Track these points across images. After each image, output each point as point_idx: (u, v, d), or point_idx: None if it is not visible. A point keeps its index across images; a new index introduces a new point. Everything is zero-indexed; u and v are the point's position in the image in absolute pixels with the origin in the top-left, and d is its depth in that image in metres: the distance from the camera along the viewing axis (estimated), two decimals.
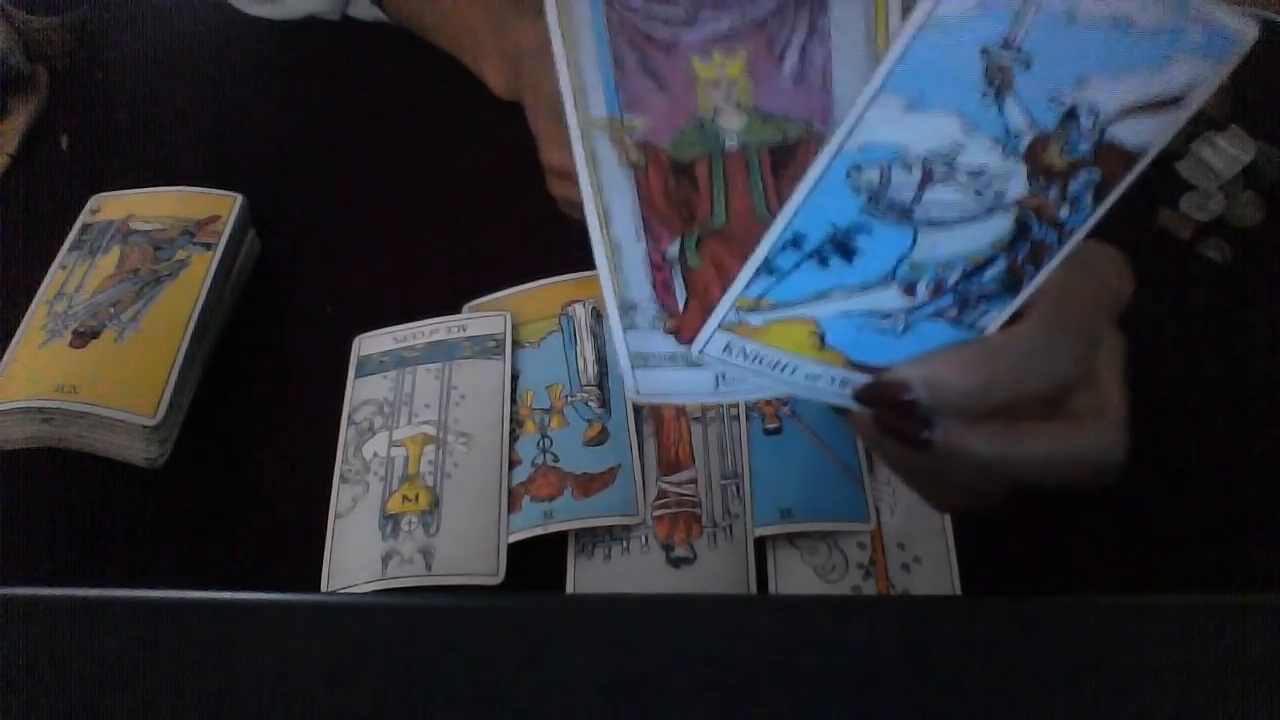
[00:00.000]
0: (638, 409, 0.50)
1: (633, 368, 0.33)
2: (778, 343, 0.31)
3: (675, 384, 0.33)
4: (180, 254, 0.55)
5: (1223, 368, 0.54)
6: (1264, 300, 0.56)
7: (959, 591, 0.45)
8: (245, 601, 0.36)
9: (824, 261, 0.29)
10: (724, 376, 0.33)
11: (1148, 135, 0.26)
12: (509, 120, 0.62)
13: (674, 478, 0.48)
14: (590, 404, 0.50)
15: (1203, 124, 0.60)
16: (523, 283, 0.56)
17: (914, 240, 0.28)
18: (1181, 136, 0.61)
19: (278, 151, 0.66)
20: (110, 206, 0.57)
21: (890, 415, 0.31)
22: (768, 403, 0.49)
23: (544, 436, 0.49)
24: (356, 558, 0.46)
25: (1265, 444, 0.51)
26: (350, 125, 0.67)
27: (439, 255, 0.59)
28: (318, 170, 0.64)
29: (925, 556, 0.46)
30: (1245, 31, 0.24)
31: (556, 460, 0.48)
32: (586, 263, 0.31)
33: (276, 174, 0.64)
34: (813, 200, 0.27)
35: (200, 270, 0.54)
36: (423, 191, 0.63)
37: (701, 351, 0.32)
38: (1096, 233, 0.28)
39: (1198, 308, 0.56)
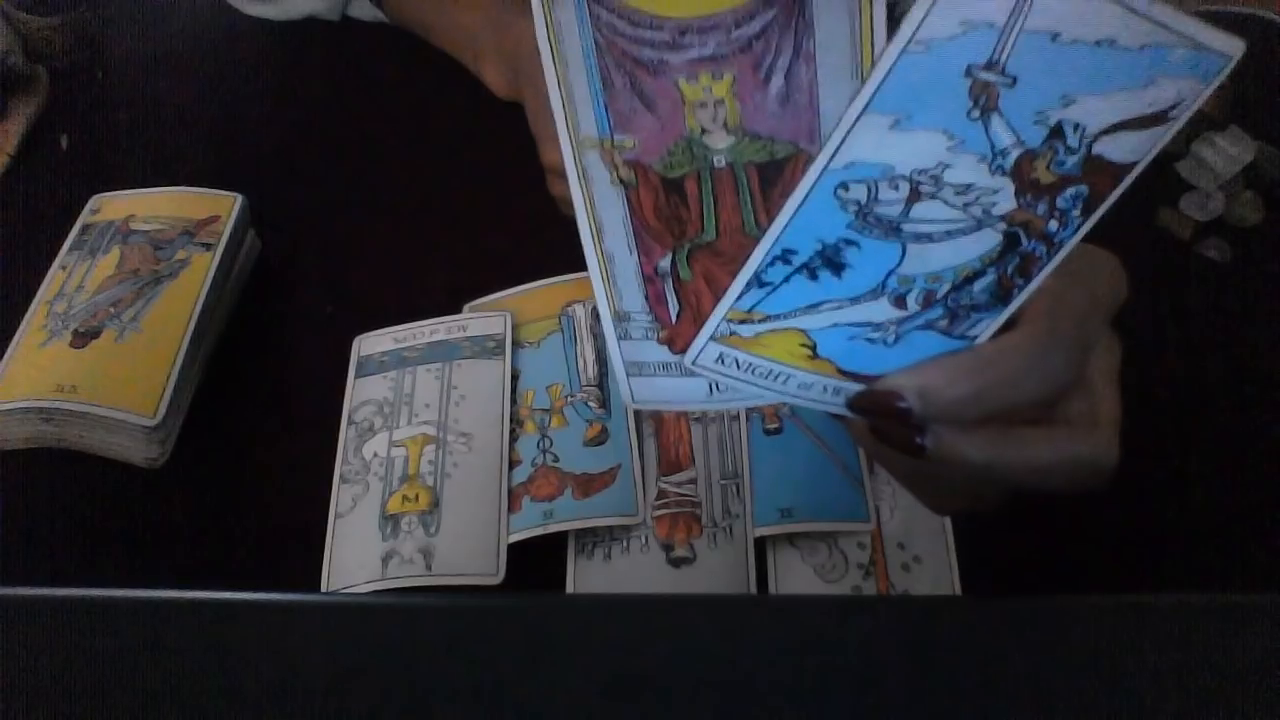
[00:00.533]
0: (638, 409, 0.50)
1: (628, 376, 0.34)
2: (769, 353, 0.31)
3: (670, 392, 0.34)
4: (180, 254, 0.55)
5: (1223, 368, 0.54)
6: (1264, 300, 0.56)
7: (959, 591, 0.45)
8: (245, 601, 0.36)
9: (813, 275, 0.29)
10: (718, 385, 0.33)
11: (1135, 150, 0.26)
12: (509, 120, 0.62)
13: (674, 478, 0.48)
14: (590, 404, 0.50)
15: (1203, 124, 0.60)
16: (523, 283, 0.56)
17: (902, 254, 0.28)
18: (1181, 136, 0.61)
19: (278, 151, 0.66)
20: (110, 206, 0.57)
21: (884, 422, 0.31)
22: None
23: (544, 436, 0.49)
24: (356, 558, 0.46)
25: (1265, 444, 0.51)
26: (350, 125, 0.67)
27: (439, 255, 0.59)
28: (318, 170, 0.64)
29: (925, 556, 0.46)
30: (1232, 50, 0.24)
31: (556, 460, 0.48)
32: (586, 263, 0.31)
33: (276, 174, 0.64)
34: (801, 216, 0.27)
35: (200, 270, 0.54)
36: (423, 191, 0.63)
37: (694, 362, 0.32)
38: (1093, 236, 0.28)
39: (1198, 308, 0.56)
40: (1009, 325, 0.30)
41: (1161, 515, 0.48)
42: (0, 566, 0.47)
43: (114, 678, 0.34)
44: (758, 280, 0.29)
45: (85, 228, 0.56)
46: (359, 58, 0.71)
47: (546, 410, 0.50)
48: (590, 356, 0.52)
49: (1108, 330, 0.32)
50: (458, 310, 0.55)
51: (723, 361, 0.32)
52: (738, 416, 0.50)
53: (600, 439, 0.49)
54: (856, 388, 0.31)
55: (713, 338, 0.31)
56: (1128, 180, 0.27)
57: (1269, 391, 0.53)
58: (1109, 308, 0.32)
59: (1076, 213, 0.27)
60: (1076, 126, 0.25)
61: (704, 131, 0.28)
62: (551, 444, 0.49)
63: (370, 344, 0.53)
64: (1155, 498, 0.48)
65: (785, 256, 0.28)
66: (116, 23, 0.73)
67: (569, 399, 0.50)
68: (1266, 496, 0.49)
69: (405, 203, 0.63)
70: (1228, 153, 0.59)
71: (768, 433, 0.49)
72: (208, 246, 0.55)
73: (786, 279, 0.29)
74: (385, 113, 0.68)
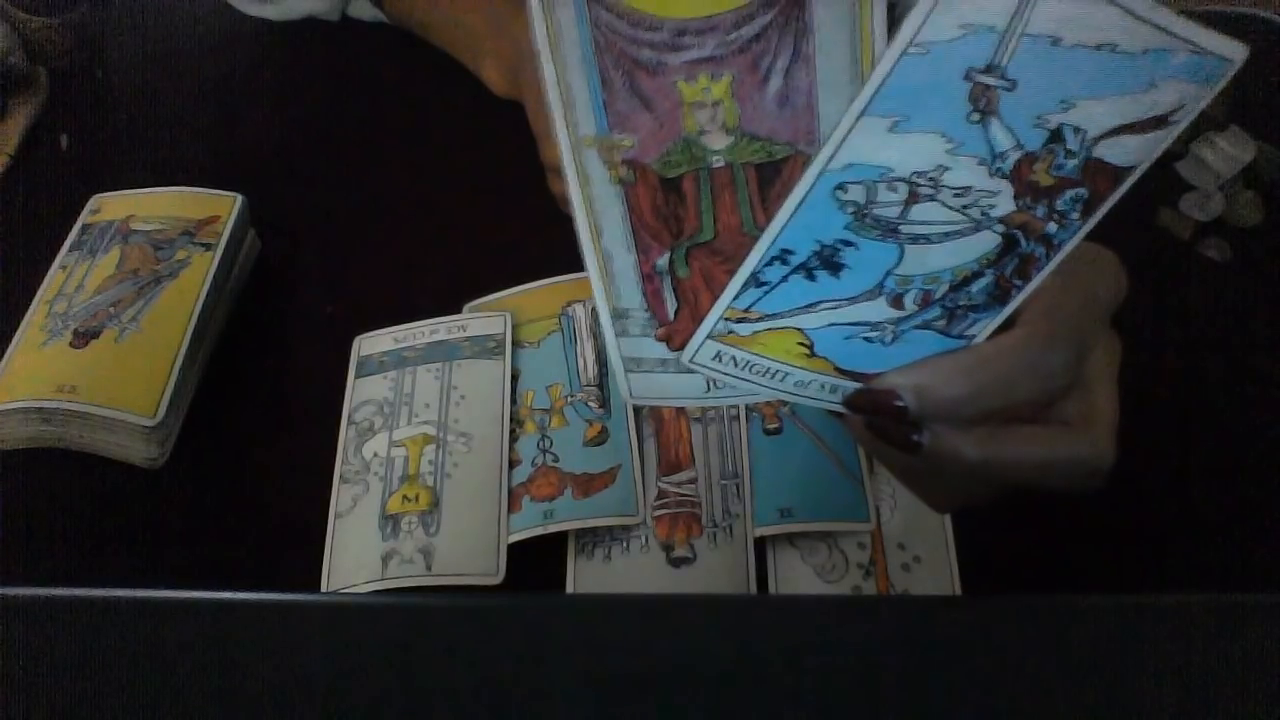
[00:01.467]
0: (638, 409, 0.50)
1: (626, 372, 0.34)
2: (767, 351, 0.31)
3: (668, 388, 0.34)
4: (180, 254, 0.55)
5: (1223, 368, 0.54)
6: (1264, 300, 0.56)
7: (959, 591, 0.45)
8: (245, 601, 0.36)
9: (811, 275, 0.29)
10: (715, 382, 0.33)
11: (1135, 153, 0.26)
12: (509, 120, 0.62)
13: (674, 478, 0.48)
14: (590, 404, 0.50)
15: (1203, 124, 0.60)
16: (523, 283, 0.56)
17: (900, 255, 0.28)
18: (1181, 137, 0.61)
19: (278, 151, 0.66)
20: (110, 206, 0.57)
21: (881, 420, 0.31)
22: (767, 403, 0.49)
23: (544, 436, 0.49)
24: (356, 558, 0.46)
25: (1265, 444, 0.51)
26: (350, 125, 0.67)
27: (439, 255, 0.59)
28: (318, 170, 0.64)
29: (925, 556, 0.46)
30: (1234, 54, 0.24)
31: (556, 460, 0.48)
32: (584, 261, 0.31)
33: (276, 174, 0.64)
34: (799, 217, 0.27)
35: (200, 270, 0.54)
36: (423, 191, 0.63)
37: (692, 360, 0.32)
38: (1093, 235, 0.28)
39: (1198, 308, 0.56)
40: (1007, 324, 0.30)
41: (1161, 515, 0.48)
42: (0, 566, 0.47)
43: (114, 678, 0.34)
44: (755, 280, 0.29)
45: (85, 228, 0.56)
46: (359, 58, 0.71)
47: (546, 410, 0.50)
48: (590, 356, 0.52)
49: (1107, 330, 0.32)
50: (458, 310, 0.55)
51: (720, 359, 0.32)
52: (738, 416, 0.50)
53: (600, 439, 0.49)
54: (854, 386, 0.32)
55: (710, 336, 0.31)
56: (1128, 182, 0.27)
57: (1269, 391, 0.53)
58: (1108, 307, 0.32)
59: (1076, 215, 0.27)
60: (1076, 130, 0.25)
61: (702, 132, 0.28)
62: (551, 444, 0.49)
63: (370, 344, 0.53)
64: (1155, 498, 0.48)
65: (783, 256, 0.28)
66: (116, 23, 0.73)
67: (569, 399, 0.50)
68: (1266, 496, 0.49)
69: (405, 203, 0.63)
70: (1228, 153, 0.59)
71: (767, 433, 0.49)
72: (208, 246, 0.55)
73: (784, 279, 0.29)
74: (385, 113, 0.68)
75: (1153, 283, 0.57)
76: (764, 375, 0.32)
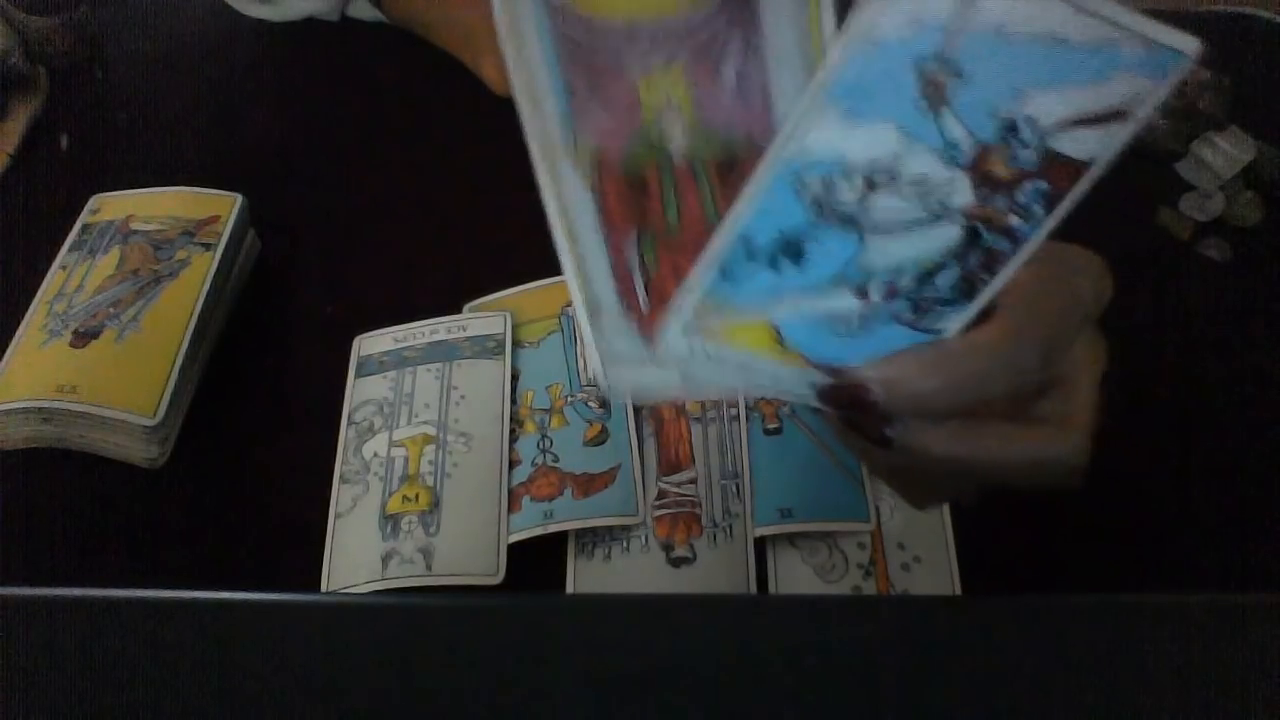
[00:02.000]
0: (638, 409, 0.50)
1: (604, 365, 0.34)
2: (738, 344, 0.31)
3: (646, 381, 0.34)
4: (180, 254, 0.55)
5: (1223, 368, 0.54)
6: (1264, 300, 0.56)
7: (959, 591, 0.45)
8: (245, 601, 0.36)
9: (774, 265, 0.29)
10: (692, 375, 0.33)
11: (1095, 147, 0.26)
12: (509, 120, 0.62)
13: (674, 478, 0.48)
14: (590, 404, 0.50)
15: (1203, 124, 0.60)
16: (523, 283, 0.56)
17: (861, 245, 0.28)
18: (1182, 136, 0.61)
19: (278, 151, 0.66)
20: (110, 206, 0.57)
21: (852, 414, 0.31)
22: (767, 402, 0.50)
23: (544, 436, 0.49)
24: (356, 558, 0.46)
25: (1265, 444, 0.51)
26: (350, 125, 0.67)
27: (439, 255, 0.59)
28: (318, 170, 0.64)
29: (925, 556, 0.46)
30: (1186, 48, 0.24)
31: (556, 460, 0.48)
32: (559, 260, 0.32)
33: (276, 174, 0.64)
34: (759, 208, 0.28)
35: (200, 270, 0.54)
36: (423, 191, 0.63)
37: (664, 354, 0.32)
38: (1090, 234, 0.28)
39: (1198, 308, 0.56)
40: (984, 317, 0.30)
41: (1161, 515, 0.48)
42: (0, 566, 0.47)
43: (114, 678, 0.34)
44: (718, 271, 0.29)
45: (85, 228, 0.56)
46: (359, 58, 0.71)
47: (546, 410, 0.50)
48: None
49: (1090, 330, 0.32)
50: (458, 310, 0.55)
51: (692, 353, 0.32)
52: (738, 416, 0.50)
53: (600, 439, 0.49)
54: (825, 379, 0.32)
55: (680, 331, 0.31)
56: (1091, 177, 0.26)
57: (1269, 391, 0.53)
58: (1091, 308, 0.32)
59: (1039, 208, 0.27)
60: (1030, 122, 0.25)
61: (661, 129, 0.28)
62: (551, 444, 0.49)
63: (370, 344, 0.53)
64: (1155, 498, 0.48)
65: (745, 247, 0.29)
66: (116, 23, 0.73)
67: (569, 399, 0.50)
68: (1266, 496, 0.49)
69: (405, 202, 0.63)
70: (1228, 153, 0.59)
71: (768, 433, 0.49)
72: (208, 246, 0.55)
73: (747, 269, 0.29)
74: (385, 113, 0.68)
75: (1153, 283, 0.57)
76: (736, 368, 0.32)
